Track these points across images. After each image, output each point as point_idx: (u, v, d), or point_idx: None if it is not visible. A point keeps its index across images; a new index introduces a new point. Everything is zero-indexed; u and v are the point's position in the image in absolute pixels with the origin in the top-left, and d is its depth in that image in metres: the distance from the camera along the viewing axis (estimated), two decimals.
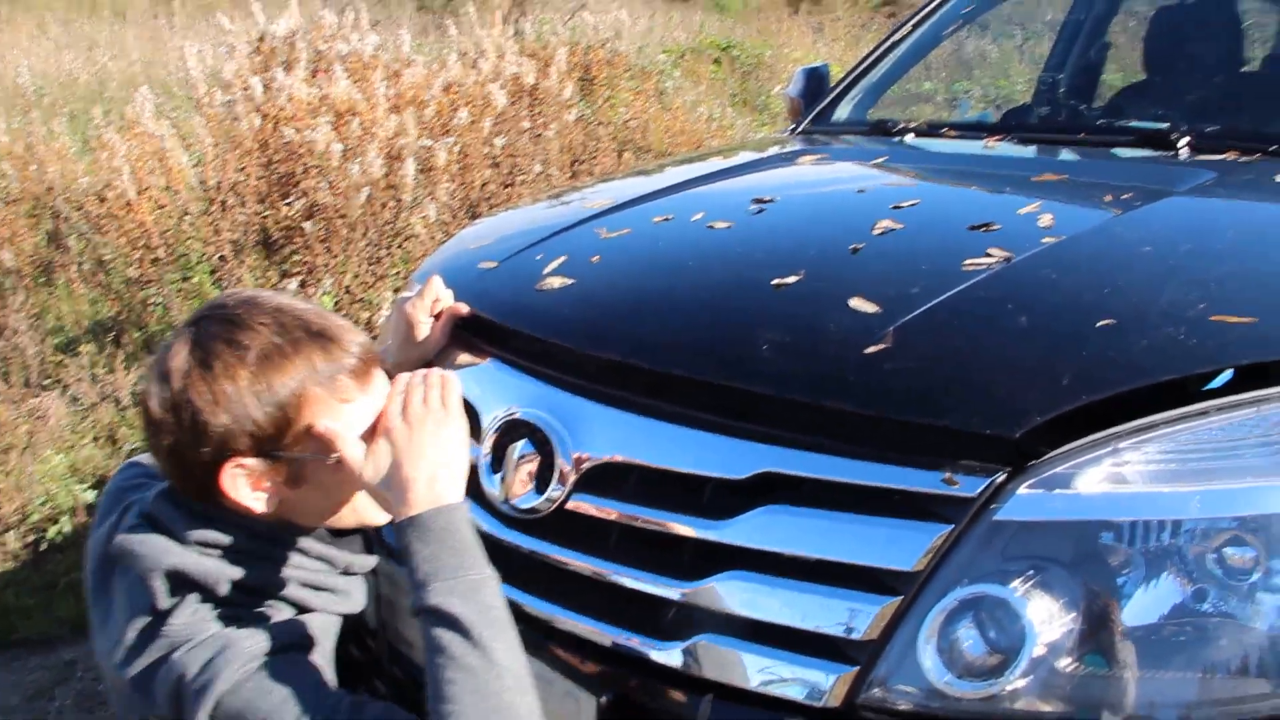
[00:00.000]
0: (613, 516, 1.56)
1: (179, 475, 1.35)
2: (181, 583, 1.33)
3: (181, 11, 10.10)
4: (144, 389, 1.33)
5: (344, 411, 1.36)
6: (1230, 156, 2.23)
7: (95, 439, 4.00)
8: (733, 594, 1.42)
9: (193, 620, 1.31)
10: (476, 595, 1.28)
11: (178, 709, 1.27)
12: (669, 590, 1.47)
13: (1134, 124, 2.60)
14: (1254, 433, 1.30)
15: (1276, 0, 3.82)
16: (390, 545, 1.69)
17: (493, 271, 2.05)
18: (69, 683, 2.95)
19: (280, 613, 1.39)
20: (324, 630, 1.45)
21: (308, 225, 4.22)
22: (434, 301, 1.92)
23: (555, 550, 1.60)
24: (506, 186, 5.04)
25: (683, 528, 1.48)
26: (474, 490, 1.73)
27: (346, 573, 1.48)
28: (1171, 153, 2.31)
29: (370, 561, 1.52)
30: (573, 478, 1.60)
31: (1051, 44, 3.92)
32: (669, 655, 1.45)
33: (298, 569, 1.40)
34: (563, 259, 1.97)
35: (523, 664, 1.28)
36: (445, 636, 1.25)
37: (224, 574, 1.33)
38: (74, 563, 3.33)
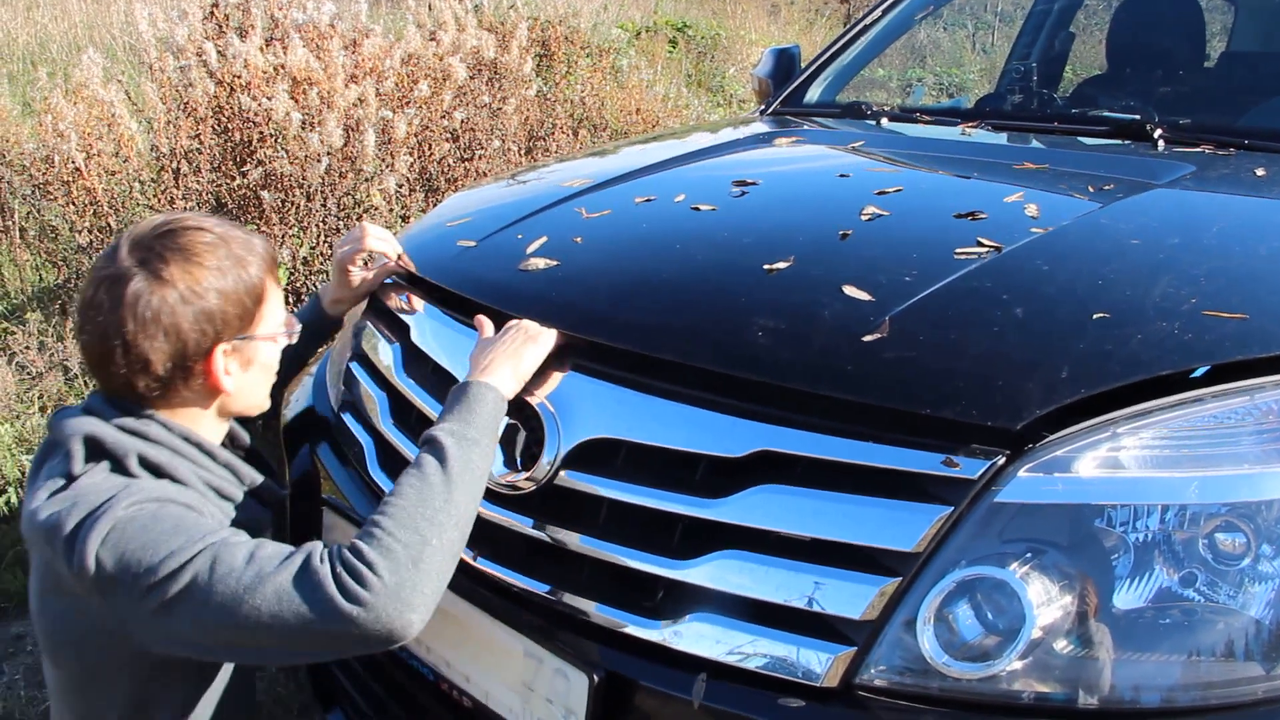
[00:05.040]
0: (603, 494, 1.56)
1: (169, 367, 1.48)
2: (97, 452, 1.47)
3: None
4: (133, 297, 1.44)
5: (278, 298, 1.62)
6: (1206, 150, 2.27)
7: (42, 409, 3.90)
8: (727, 573, 1.43)
9: (101, 481, 1.45)
10: (467, 448, 1.50)
11: (70, 546, 1.37)
12: (662, 569, 1.47)
13: (1108, 114, 2.62)
14: (1247, 420, 1.32)
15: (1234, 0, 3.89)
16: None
17: (472, 250, 2.03)
18: (18, 656, 2.89)
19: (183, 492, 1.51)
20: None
21: (265, 194, 4.15)
22: (362, 249, 2.04)
23: (544, 527, 1.59)
24: (465, 161, 4.98)
25: (676, 506, 1.48)
26: None
27: (250, 489, 1.64)
28: (1147, 144, 2.33)
29: (258, 477, 1.65)
30: (562, 454, 1.59)
31: (1016, 33, 3.97)
32: (662, 634, 1.45)
33: (205, 469, 1.56)
34: (544, 239, 1.96)
35: (468, 520, 1.46)
36: (427, 459, 1.48)
37: (134, 448, 1.48)
38: (21, 535, 3.24)
